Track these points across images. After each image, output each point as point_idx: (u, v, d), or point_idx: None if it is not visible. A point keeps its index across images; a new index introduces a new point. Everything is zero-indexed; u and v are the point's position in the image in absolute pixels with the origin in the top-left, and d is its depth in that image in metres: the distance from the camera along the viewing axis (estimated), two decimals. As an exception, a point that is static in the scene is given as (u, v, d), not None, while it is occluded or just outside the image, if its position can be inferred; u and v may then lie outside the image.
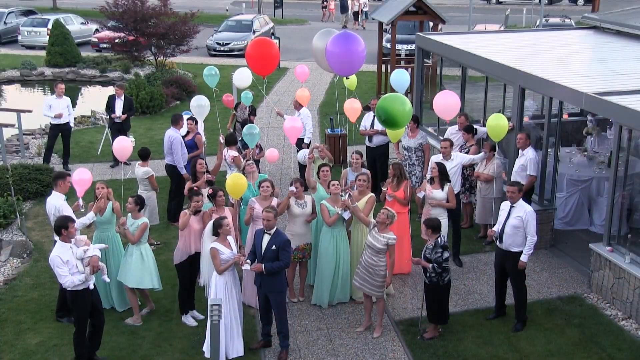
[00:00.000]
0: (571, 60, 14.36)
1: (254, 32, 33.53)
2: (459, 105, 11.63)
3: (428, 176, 11.98)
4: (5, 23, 36.21)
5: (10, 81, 27.57)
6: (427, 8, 21.64)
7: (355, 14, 43.72)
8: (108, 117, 17.21)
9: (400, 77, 13.61)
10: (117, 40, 26.97)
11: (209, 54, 32.56)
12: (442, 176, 11.25)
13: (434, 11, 21.69)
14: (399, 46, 24.85)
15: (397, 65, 22.11)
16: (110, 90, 20.82)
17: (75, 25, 34.69)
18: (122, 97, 16.74)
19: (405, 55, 25.21)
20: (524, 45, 16.27)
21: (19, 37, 34.46)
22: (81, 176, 10.24)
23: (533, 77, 12.20)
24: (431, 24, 23.12)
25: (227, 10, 47.54)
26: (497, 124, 11.02)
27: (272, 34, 33.55)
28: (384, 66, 23.11)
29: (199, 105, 13.92)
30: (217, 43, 32.72)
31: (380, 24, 23.54)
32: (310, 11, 51.68)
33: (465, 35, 18.16)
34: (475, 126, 13.32)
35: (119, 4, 26.08)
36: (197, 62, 30.16)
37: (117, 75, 27.36)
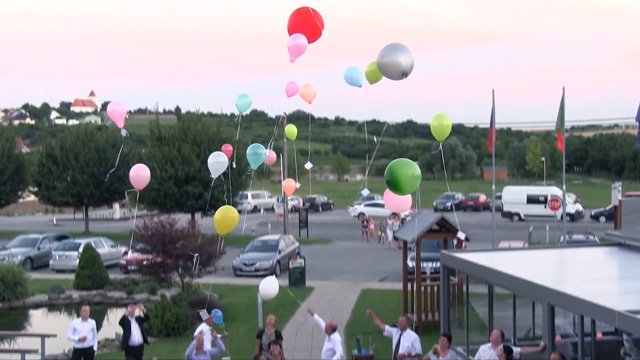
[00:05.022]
0: (599, 277, 14.19)
1: (280, 252, 33.99)
2: (410, 199, 11.25)
3: None
4: (38, 248, 37.20)
5: (38, 305, 27.67)
6: (450, 226, 21.94)
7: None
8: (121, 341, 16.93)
9: (351, 74, 12.97)
10: (145, 262, 27.41)
11: (235, 274, 32.79)
12: None
13: (457, 229, 21.94)
14: (424, 264, 24.91)
15: (423, 284, 22.02)
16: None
17: (105, 248, 35.55)
18: (134, 317, 16.63)
19: (431, 273, 25.20)
20: (549, 261, 16.21)
21: (51, 262, 35.17)
22: (115, 107, 10.86)
23: (562, 295, 11.99)
24: (455, 241, 23.32)
25: (253, 230, 48.60)
26: (440, 124, 10.82)
27: (298, 253, 33.95)
28: (409, 285, 22.99)
29: (217, 161, 13.49)
30: (243, 263, 33.07)
31: (405, 242, 23.79)
32: (335, 231, 52.71)
33: (490, 252, 18.24)
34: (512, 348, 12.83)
35: (149, 227, 26.83)
36: (222, 283, 30.28)
37: (144, 297, 27.41)
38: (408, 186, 9.43)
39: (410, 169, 9.39)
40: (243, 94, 15.10)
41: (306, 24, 10.71)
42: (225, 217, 9.76)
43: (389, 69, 9.47)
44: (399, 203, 11.24)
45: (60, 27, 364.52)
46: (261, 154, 14.62)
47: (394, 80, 9.67)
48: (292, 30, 10.81)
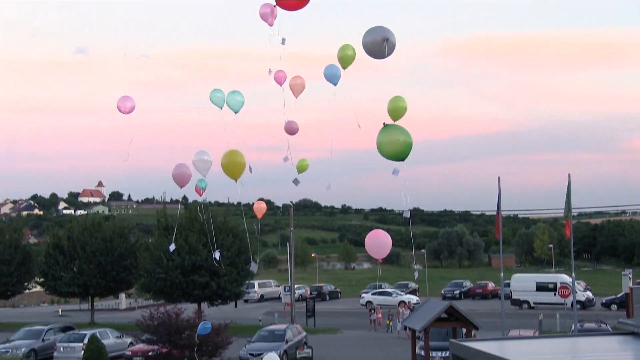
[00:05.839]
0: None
1: (287, 341, 33.50)
2: (390, 244, 11.44)
3: None
4: (43, 340, 36.75)
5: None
6: (459, 314, 21.71)
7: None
8: None
9: (330, 71, 13.83)
10: (150, 353, 27.05)
11: (241, 365, 32.21)
12: None
13: (466, 317, 21.73)
14: (433, 353, 24.52)
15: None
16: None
17: (110, 339, 35.08)
18: None
19: (441, 363, 24.74)
20: (562, 351, 15.92)
21: (55, 354, 34.66)
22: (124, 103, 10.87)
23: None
24: (464, 330, 23.03)
25: (260, 320, 48.08)
26: (396, 105, 11.07)
27: (305, 343, 33.47)
28: (419, 375, 22.56)
29: (201, 159, 13.12)
30: (250, 353, 32.51)
31: (413, 331, 23.49)
32: (343, 320, 52.04)
33: (500, 341, 17.93)
34: None
35: (155, 317, 26.63)
36: (229, 374, 29.79)
37: (148, 389, 26.92)
38: (404, 150, 9.87)
39: (400, 134, 9.91)
40: (216, 88, 15.28)
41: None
42: (231, 161, 9.54)
43: (372, 43, 10.35)
44: (379, 249, 11.54)
45: (68, 118, 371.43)
46: (240, 101, 14.72)
47: (379, 49, 10.38)
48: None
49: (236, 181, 11.14)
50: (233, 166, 10.35)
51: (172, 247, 14.15)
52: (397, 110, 12.00)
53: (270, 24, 14.02)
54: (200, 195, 15.34)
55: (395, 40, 10.52)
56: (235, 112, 14.89)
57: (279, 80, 16.23)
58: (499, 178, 31.49)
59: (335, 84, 14.45)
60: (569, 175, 30.84)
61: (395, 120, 12.22)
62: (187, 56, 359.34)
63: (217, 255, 17.76)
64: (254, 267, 16.03)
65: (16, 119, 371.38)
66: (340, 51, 13.97)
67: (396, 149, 10.19)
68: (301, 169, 16.13)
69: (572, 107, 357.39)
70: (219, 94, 15.17)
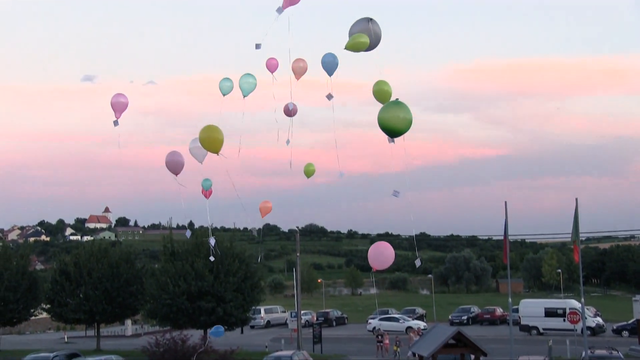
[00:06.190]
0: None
1: (294, 369, 33.24)
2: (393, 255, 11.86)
3: None
4: (48, 368, 36.54)
5: None
6: (467, 340, 21.49)
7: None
8: None
9: (327, 60, 14.33)
10: (155, 381, 26.84)
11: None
12: None
13: (474, 343, 21.51)
14: (442, 380, 24.20)
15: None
16: None
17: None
18: None
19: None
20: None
21: (60, 380, 34.48)
22: (118, 99, 11.00)
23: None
24: (472, 356, 22.80)
25: (266, 346, 47.73)
26: (380, 89, 11.60)
27: (312, 370, 33.19)
28: (427, 402, 22.28)
29: (196, 146, 13.07)
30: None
31: (421, 358, 23.24)
32: (350, 346, 51.63)
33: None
34: None
35: (161, 344, 26.46)
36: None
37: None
38: (403, 126, 10.56)
39: (401, 111, 10.63)
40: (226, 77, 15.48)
41: None
42: (209, 137, 9.60)
43: (360, 30, 11.15)
44: (382, 260, 11.81)
45: (75, 145, 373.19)
46: (252, 83, 14.92)
47: (367, 31, 11.12)
48: None
49: (217, 154, 11.23)
50: (209, 142, 10.59)
51: (212, 240, 14.20)
52: (380, 93, 12.31)
53: (283, 7, 14.36)
54: (207, 198, 15.38)
55: (380, 31, 11.12)
56: (245, 96, 15.12)
57: (271, 67, 16.38)
58: (505, 202, 31.36)
59: (330, 74, 14.56)
60: (577, 199, 30.68)
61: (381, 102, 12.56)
62: (193, 83, 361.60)
63: (212, 241, 17.77)
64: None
65: (23, 146, 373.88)
66: (352, 39, 14.26)
67: (398, 125, 10.77)
68: (308, 173, 16.19)
69: (578, 131, 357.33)
70: (228, 83, 15.48)
